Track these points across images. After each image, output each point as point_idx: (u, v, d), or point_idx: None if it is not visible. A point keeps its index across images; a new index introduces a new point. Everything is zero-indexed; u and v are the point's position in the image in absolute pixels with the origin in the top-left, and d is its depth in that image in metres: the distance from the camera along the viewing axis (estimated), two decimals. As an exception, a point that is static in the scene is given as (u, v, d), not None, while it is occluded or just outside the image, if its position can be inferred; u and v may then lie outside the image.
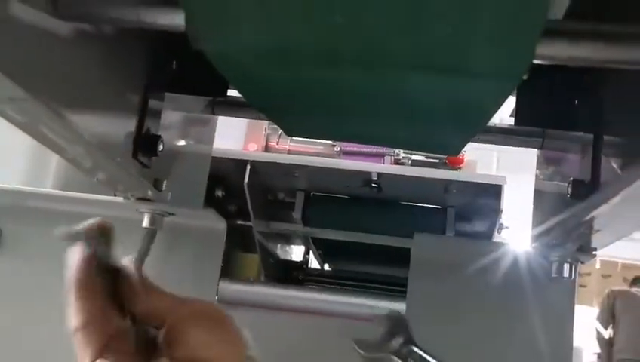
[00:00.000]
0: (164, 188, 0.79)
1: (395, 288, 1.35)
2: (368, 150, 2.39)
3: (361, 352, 0.60)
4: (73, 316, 0.49)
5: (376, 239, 1.48)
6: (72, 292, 0.50)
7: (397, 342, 0.60)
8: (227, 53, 0.51)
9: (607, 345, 4.14)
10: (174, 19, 0.50)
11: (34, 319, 0.92)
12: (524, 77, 0.48)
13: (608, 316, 4.13)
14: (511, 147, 0.91)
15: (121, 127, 0.66)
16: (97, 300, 0.49)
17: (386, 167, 1.97)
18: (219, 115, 0.95)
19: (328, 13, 0.42)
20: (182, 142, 0.87)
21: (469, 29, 0.42)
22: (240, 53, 0.51)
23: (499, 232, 1.54)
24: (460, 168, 2.36)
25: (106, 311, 0.49)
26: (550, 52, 0.48)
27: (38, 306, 0.91)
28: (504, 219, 1.48)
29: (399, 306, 0.97)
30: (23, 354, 0.92)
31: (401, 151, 2.31)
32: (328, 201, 1.57)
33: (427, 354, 0.61)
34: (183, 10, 0.48)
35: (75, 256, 0.50)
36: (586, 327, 4.14)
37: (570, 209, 0.73)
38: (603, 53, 0.48)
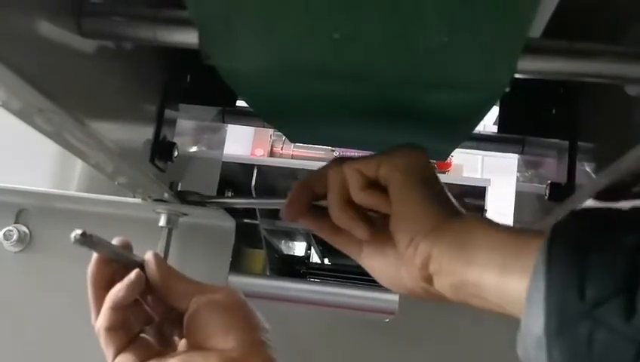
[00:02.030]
0: (178, 190, 0.79)
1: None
2: (364, 155, 2.39)
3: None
4: (96, 319, 0.49)
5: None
6: (92, 300, 0.49)
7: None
8: (235, 68, 0.51)
9: None
10: (188, 37, 0.50)
11: (62, 316, 0.92)
12: (507, 89, 0.48)
13: None
14: (494, 152, 0.92)
15: (139, 135, 0.66)
16: (118, 307, 0.48)
17: (381, 170, 1.96)
18: (228, 123, 0.95)
19: (326, 31, 0.42)
20: (195, 148, 0.87)
21: (458, 48, 0.42)
22: (247, 69, 0.51)
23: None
24: (447, 171, 2.36)
25: (126, 315, 0.49)
26: (530, 67, 0.48)
27: (66, 304, 0.91)
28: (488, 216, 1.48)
29: (392, 298, 0.97)
30: (50, 352, 0.92)
31: (394, 155, 2.31)
32: (328, 202, 1.57)
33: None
34: (196, 28, 0.49)
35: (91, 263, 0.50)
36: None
37: (548, 209, 0.73)
38: (577, 67, 0.48)
